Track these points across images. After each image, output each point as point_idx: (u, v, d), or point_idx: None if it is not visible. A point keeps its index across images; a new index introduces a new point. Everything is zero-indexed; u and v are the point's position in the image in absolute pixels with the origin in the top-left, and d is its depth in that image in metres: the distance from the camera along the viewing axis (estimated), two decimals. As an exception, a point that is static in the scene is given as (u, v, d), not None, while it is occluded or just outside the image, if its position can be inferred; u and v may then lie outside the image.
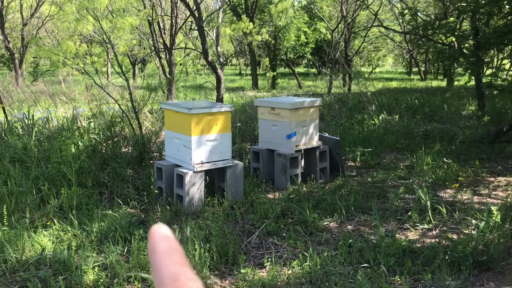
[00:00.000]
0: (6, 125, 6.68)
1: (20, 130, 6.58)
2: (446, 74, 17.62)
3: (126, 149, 6.16)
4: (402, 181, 5.25)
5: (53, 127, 6.78)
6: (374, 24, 14.16)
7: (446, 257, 3.24)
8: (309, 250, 3.38)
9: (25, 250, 3.38)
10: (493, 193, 4.86)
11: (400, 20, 19.01)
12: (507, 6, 7.10)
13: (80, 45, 10.65)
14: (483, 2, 7.05)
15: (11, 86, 12.73)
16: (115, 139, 6.15)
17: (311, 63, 19.93)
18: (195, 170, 4.33)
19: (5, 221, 3.75)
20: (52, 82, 14.28)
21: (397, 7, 17.25)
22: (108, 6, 11.11)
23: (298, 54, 19.33)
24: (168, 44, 11.27)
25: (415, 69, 25.11)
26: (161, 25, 11.34)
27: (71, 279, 3.04)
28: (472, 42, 8.51)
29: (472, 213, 4.06)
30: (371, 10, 13.91)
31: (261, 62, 17.68)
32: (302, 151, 5.28)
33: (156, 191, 4.56)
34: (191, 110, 4.29)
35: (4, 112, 6.99)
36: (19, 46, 17.04)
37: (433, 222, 4.01)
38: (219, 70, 7.42)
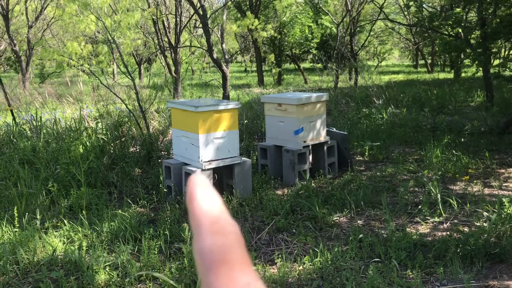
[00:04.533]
0: (14, 127, 6.71)
1: (29, 132, 6.62)
2: (453, 66, 17.48)
3: (134, 149, 6.17)
4: (412, 174, 5.22)
5: (61, 128, 6.81)
6: (379, 17, 14.07)
7: (458, 250, 3.22)
8: (320, 246, 3.37)
9: (36, 251, 3.40)
10: (504, 184, 4.82)
11: (406, 13, 18.88)
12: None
13: (85, 45, 10.68)
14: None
15: (18, 88, 12.81)
16: (123, 139, 6.17)
17: (316, 58, 19.85)
18: (203, 168, 4.33)
19: (16, 223, 3.78)
20: (58, 84, 14.35)
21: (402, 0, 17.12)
22: (111, 5, 11.13)
23: (303, 49, 19.26)
24: (173, 43, 11.28)
25: (421, 62, 24.93)
26: (165, 23, 11.34)
27: (83, 279, 3.05)
28: (479, 33, 8.42)
29: (483, 205, 4.03)
30: (376, 3, 13.82)
31: (267, 59, 17.64)
32: (310, 147, 5.26)
33: (165, 190, 4.57)
34: (198, 108, 4.28)
35: (12, 115, 7.02)
36: (25, 48, 17.13)
37: (443, 215, 3.98)
38: (224, 68, 7.41)
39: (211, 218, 0.33)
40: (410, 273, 3.03)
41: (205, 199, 0.34)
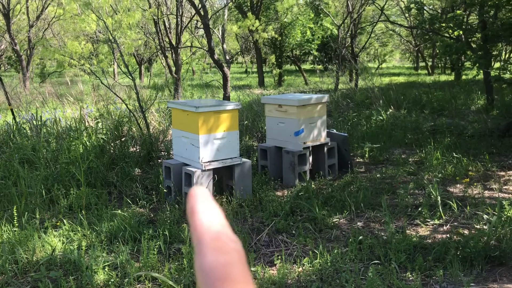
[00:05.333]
0: (14, 126, 6.71)
1: (29, 131, 6.61)
2: (454, 68, 17.49)
3: (134, 149, 6.17)
4: (412, 176, 5.22)
5: (61, 127, 6.81)
6: (380, 19, 14.08)
7: (458, 253, 3.21)
8: (319, 247, 3.36)
9: (35, 251, 3.40)
10: (504, 187, 4.81)
11: (407, 15, 18.89)
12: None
13: (85, 44, 10.68)
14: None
15: (18, 88, 12.81)
16: (123, 139, 6.17)
17: (317, 59, 19.86)
18: (203, 169, 4.33)
19: (15, 222, 3.77)
20: (59, 83, 14.35)
21: (403, 1, 17.15)
22: (112, 5, 11.14)
23: (304, 51, 19.27)
24: (174, 43, 11.28)
25: (422, 64, 24.95)
26: (166, 24, 11.35)
27: (82, 279, 3.04)
28: (479, 36, 8.43)
29: (483, 207, 4.03)
30: (377, 5, 13.84)
31: (267, 60, 17.65)
32: (310, 148, 5.26)
33: (164, 190, 4.56)
34: (198, 109, 4.28)
35: (13, 114, 7.02)
36: (26, 48, 17.14)
37: (443, 218, 3.97)
38: (225, 68, 7.41)
39: (212, 234, 0.32)
40: (410, 276, 3.02)
41: (206, 214, 0.33)
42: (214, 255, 0.31)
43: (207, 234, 0.32)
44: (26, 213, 4.05)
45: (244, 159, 4.66)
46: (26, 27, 17.16)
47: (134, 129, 6.68)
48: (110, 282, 2.99)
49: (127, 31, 11.33)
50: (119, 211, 4.07)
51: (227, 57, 7.95)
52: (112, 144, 5.97)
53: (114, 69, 18.87)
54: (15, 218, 3.79)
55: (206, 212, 0.33)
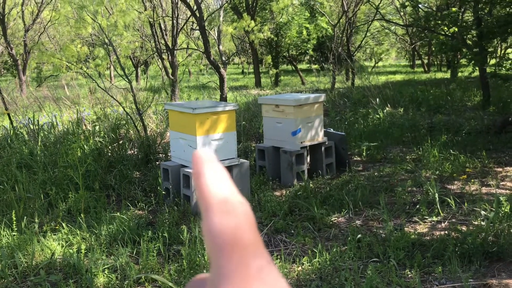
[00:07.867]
0: (12, 131, 6.70)
1: (26, 135, 6.61)
2: (450, 65, 17.53)
3: (132, 151, 6.17)
4: (409, 174, 5.23)
5: (59, 131, 6.81)
6: (375, 18, 14.10)
7: (456, 249, 3.23)
8: (318, 246, 3.37)
9: (35, 255, 3.40)
10: (501, 183, 4.83)
11: (402, 13, 18.93)
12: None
13: (81, 47, 10.67)
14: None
15: (15, 92, 12.80)
16: (121, 142, 6.17)
17: (313, 59, 19.88)
18: (201, 170, 4.33)
19: (14, 227, 3.77)
20: (55, 87, 14.33)
21: (398, 0, 17.17)
22: (108, 9, 11.13)
23: (300, 51, 19.28)
24: (170, 45, 11.28)
25: (418, 62, 24.99)
26: (162, 26, 11.35)
27: (82, 282, 3.05)
28: (475, 33, 8.45)
29: (481, 204, 4.04)
30: (372, 4, 13.86)
31: (264, 60, 17.66)
32: (308, 148, 5.27)
33: (163, 192, 4.57)
34: (195, 110, 4.29)
35: (10, 118, 7.02)
36: (21, 52, 17.12)
37: (441, 215, 3.99)
38: (221, 69, 7.42)
39: (220, 196, 0.31)
40: (409, 273, 3.04)
41: (213, 176, 0.32)
42: (222, 218, 0.30)
43: (215, 196, 0.31)
44: (25, 217, 4.04)
45: (242, 160, 4.67)
46: (22, 31, 17.14)
47: (131, 131, 6.68)
48: (110, 285, 2.99)
49: (123, 32, 11.32)
50: (118, 214, 4.07)
51: (223, 58, 7.95)
52: (109, 147, 5.97)
53: (110, 72, 18.85)
54: (14, 222, 3.79)
55: (213, 175, 0.32)
